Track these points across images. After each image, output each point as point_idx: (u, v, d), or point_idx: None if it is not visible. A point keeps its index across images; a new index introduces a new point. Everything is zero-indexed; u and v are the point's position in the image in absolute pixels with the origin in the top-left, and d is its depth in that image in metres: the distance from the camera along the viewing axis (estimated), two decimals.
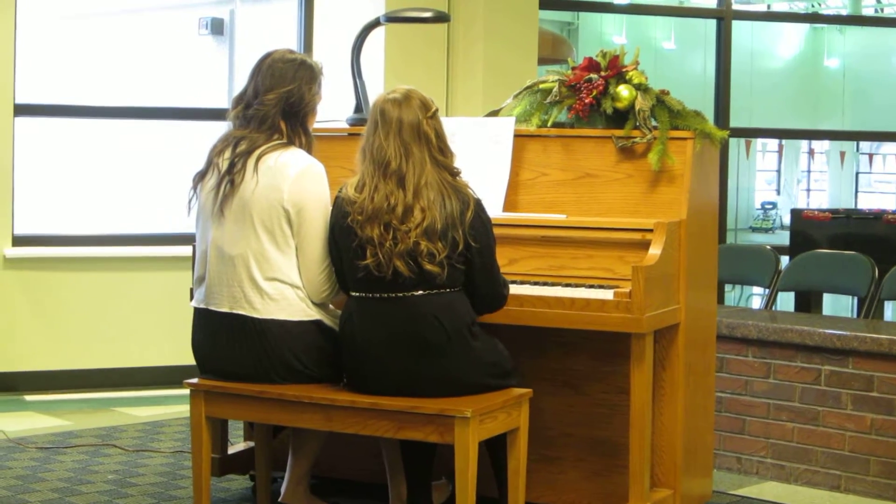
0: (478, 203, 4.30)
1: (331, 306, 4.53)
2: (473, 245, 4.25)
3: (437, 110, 4.37)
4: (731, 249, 7.73)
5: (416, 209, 4.20)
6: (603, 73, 4.86)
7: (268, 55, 4.57)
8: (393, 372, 4.26)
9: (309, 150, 4.50)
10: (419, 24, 6.19)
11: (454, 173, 4.33)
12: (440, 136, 4.33)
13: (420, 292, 4.23)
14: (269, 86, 4.48)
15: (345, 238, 4.29)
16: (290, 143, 4.47)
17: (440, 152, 4.31)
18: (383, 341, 4.26)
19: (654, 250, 4.45)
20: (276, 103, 4.46)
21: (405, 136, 4.27)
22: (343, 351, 4.39)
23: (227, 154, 4.45)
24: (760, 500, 5.40)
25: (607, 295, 4.39)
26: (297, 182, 4.37)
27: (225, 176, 4.42)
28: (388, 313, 4.26)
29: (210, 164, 4.51)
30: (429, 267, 4.18)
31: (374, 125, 4.33)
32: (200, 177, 4.54)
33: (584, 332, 4.62)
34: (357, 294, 4.32)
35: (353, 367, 4.36)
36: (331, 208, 4.41)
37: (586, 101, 4.84)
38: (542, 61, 8.93)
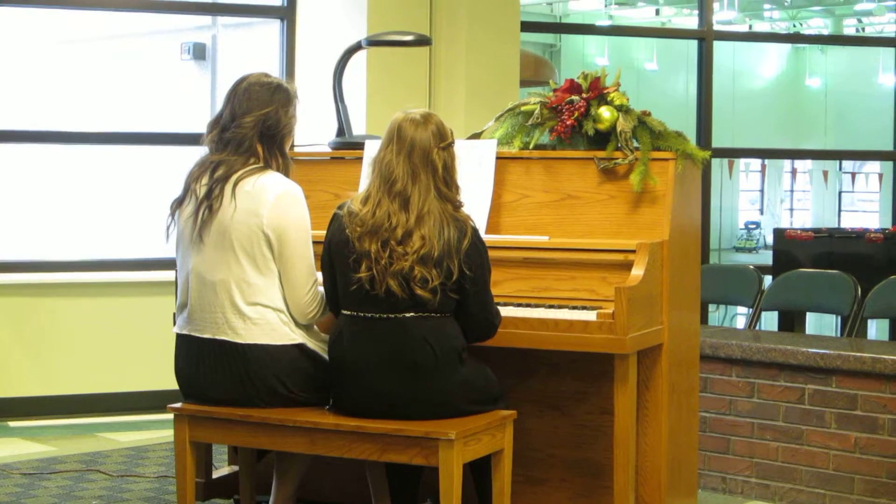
0: (475, 231, 4.29)
1: (315, 327, 4.53)
2: (468, 273, 4.24)
3: (452, 143, 4.36)
4: (715, 269, 7.74)
5: (416, 235, 4.19)
6: (584, 95, 4.87)
7: (243, 79, 4.56)
8: (380, 392, 4.25)
9: (286, 173, 4.49)
10: (401, 47, 6.18)
11: (457, 206, 4.32)
12: (448, 168, 4.31)
13: (411, 314, 4.22)
14: (246, 109, 4.47)
15: (341, 250, 4.28)
16: (268, 166, 4.47)
17: (444, 184, 4.29)
18: (372, 361, 4.25)
19: (637, 271, 4.46)
20: (254, 126, 4.46)
21: (415, 158, 4.26)
22: (331, 370, 4.38)
23: (205, 180, 4.44)
24: None
25: (590, 316, 4.39)
26: (275, 206, 4.37)
27: (203, 202, 4.41)
28: (378, 334, 4.25)
29: (188, 190, 4.50)
30: (420, 292, 4.18)
31: (388, 140, 4.32)
32: (178, 203, 4.53)
33: (568, 354, 4.62)
34: (348, 313, 4.32)
35: (339, 387, 4.35)
36: (311, 231, 4.42)
37: (568, 122, 4.85)
38: (524, 83, 8.95)
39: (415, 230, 4.20)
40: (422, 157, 4.26)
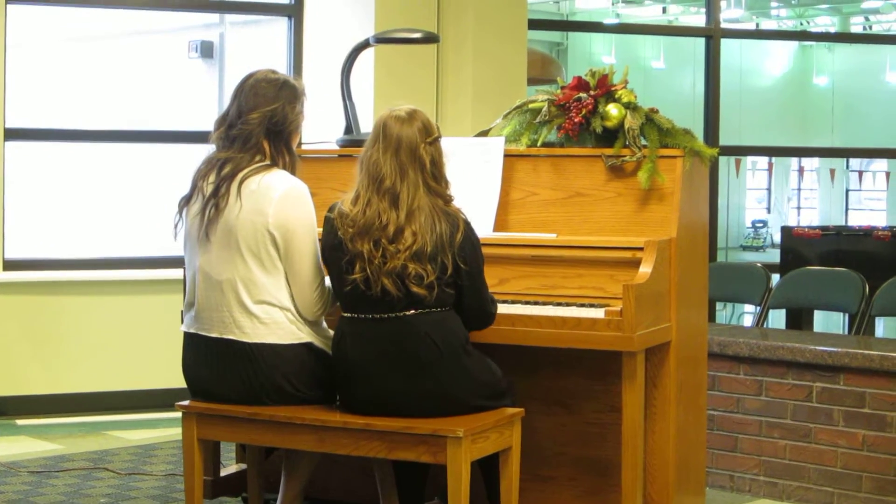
0: (467, 224, 4.29)
1: (324, 324, 4.52)
2: (463, 267, 4.24)
3: (438, 137, 4.36)
4: (722, 267, 7.74)
5: (408, 232, 4.19)
6: (592, 92, 4.87)
7: (250, 75, 4.56)
8: (386, 391, 4.25)
9: (292, 170, 4.49)
10: (408, 45, 6.18)
11: (447, 200, 4.32)
12: (436, 163, 4.31)
13: (412, 312, 4.22)
14: (253, 105, 4.46)
15: (335, 254, 4.29)
16: (274, 163, 4.46)
17: (433, 179, 4.29)
18: (376, 361, 4.25)
19: (645, 269, 4.46)
20: (260, 122, 4.45)
21: (402, 156, 4.26)
22: (336, 371, 4.38)
23: (212, 178, 4.44)
24: None
25: (598, 314, 4.39)
26: (280, 204, 4.36)
27: (210, 200, 4.40)
28: (380, 334, 4.25)
29: (195, 187, 4.49)
30: (415, 289, 4.18)
31: (374, 139, 4.32)
32: (186, 201, 4.52)
33: (576, 351, 4.61)
34: (348, 315, 4.32)
35: (346, 388, 4.35)
36: (317, 228, 4.41)
37: (576, 120, 4.84)
38: (532, 81, 8.95)
39: (406, 226, 4.20)
40: (409, 153, 4.26)
